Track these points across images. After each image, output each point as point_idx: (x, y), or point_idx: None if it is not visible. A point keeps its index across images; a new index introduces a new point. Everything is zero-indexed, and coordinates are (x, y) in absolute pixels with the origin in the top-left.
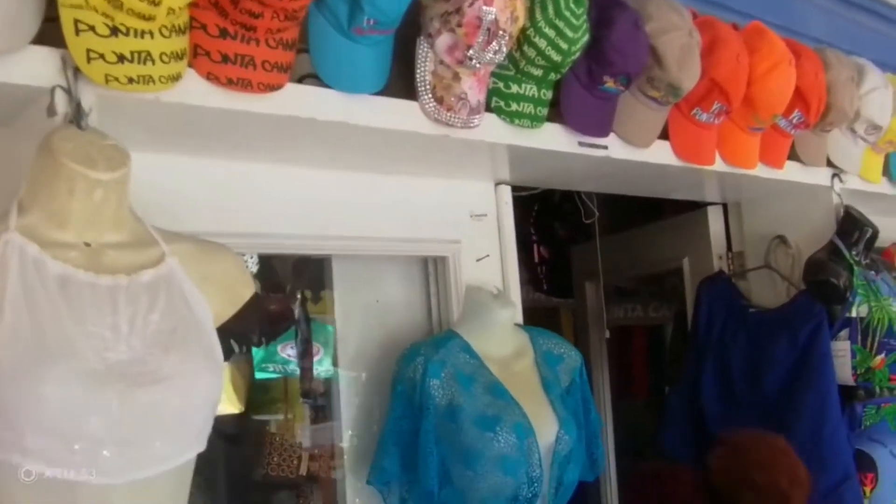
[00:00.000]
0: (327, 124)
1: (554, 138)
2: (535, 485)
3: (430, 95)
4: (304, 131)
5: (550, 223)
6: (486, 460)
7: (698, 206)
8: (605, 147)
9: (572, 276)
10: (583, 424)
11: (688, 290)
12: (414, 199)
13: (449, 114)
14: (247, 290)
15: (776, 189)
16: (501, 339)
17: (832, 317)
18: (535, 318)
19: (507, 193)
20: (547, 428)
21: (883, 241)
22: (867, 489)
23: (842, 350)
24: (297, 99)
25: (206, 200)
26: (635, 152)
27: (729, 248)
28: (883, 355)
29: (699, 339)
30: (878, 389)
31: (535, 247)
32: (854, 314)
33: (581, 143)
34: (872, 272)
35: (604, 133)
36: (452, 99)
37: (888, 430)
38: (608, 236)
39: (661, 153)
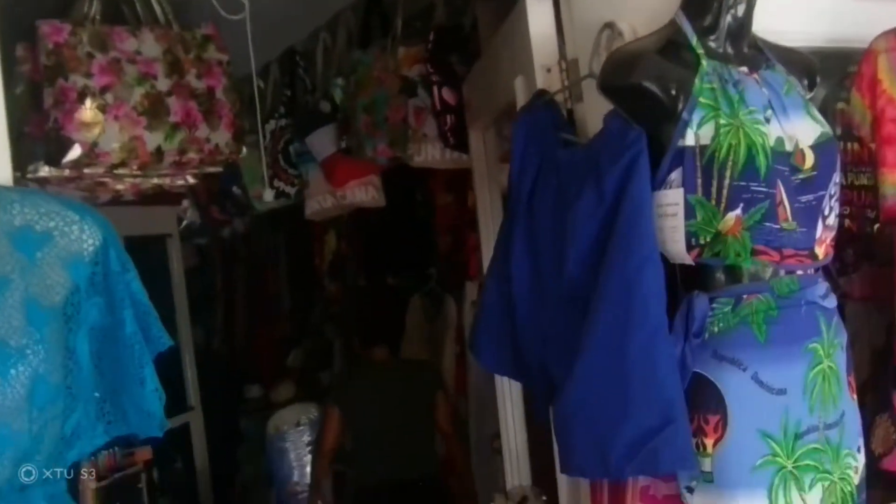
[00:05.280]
0: None
1: None
2: None
3: None
4: None
5: (446, 57)
6: None
7: None
8: None
9: None
10: (84, 353)
11: None
12: None
13: None
14: None
15: None
16: None
17: (660, 145)
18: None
19: None
20: None
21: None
22: (708, 441)
23: (671, 205)
24: None
25: None
26: None
27: (563, 55)
28: (739, 211)
29: (511, 198)
30: (739, 270)
31: (436, 90)
32: (691, 142)
33: None
34: (743, 68)
35: None
36: None
37: (753, 341)
38: None
39: None
